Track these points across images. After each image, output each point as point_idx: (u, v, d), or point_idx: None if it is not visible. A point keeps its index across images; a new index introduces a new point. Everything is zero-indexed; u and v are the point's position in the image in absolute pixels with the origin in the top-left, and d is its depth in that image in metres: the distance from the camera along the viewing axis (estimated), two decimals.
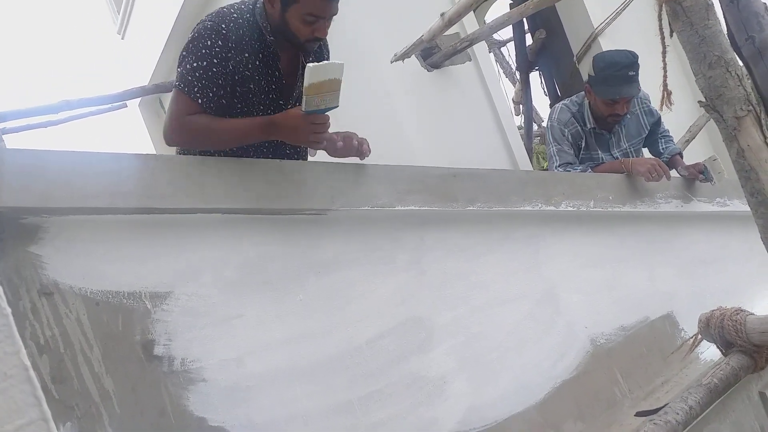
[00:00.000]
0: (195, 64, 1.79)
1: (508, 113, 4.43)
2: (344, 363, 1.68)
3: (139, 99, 6.57)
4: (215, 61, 1.79)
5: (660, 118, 3.34)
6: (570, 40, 5.06)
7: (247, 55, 1.85)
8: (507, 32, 6.40)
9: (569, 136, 3.12)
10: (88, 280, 1.35)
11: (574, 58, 4.95)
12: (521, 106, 5.84)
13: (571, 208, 2.40)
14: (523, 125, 5.69)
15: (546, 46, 5.31)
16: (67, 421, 1.23)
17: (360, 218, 1.87)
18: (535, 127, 6.41)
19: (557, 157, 3.11)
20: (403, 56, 3.68)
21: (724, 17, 1.55)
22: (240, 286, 1.59)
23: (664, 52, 4.03)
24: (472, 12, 3.72)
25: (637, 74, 2.95)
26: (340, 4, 1.85)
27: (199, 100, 1.79)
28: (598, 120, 3.13)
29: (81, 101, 4.00)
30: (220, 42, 1.79)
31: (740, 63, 1.53)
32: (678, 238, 2.87)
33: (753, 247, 1.80)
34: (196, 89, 1.78)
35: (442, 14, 3.36)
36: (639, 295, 2.54)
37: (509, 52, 7.46)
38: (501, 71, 7.41)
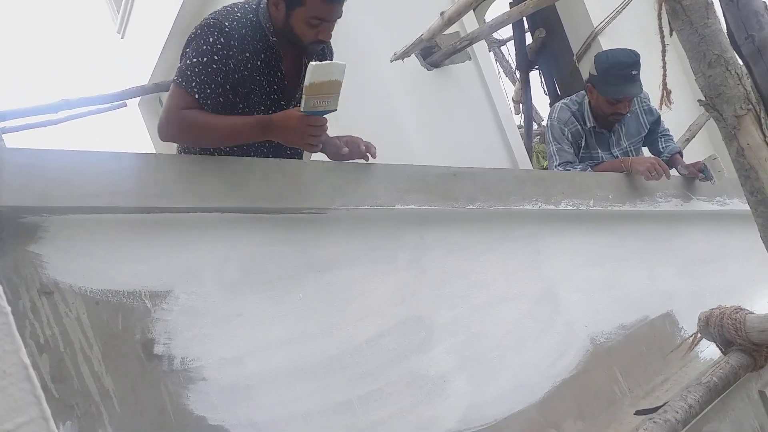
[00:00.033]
0: (195, 60, 1.77)
1: (508, 112, 4.43)
2: (344, 362, 1.68)
3: (139, 98, 6.58)
4: (216, 57, 1.78)
5: (660, 117, 3.34)
6: (570, 39, 5.06)
7: (248, 54, 1.85)
8: (507, 31, 6.41)
9: (569, 135, 3.12)
10: (87, 279, 1.35)
11: (574, 57, 4.95)
12: (521, 105, 5.85)
13: (571, 207, 2.40)
14: (522, 124, 5.69)
15: (546, 45, 5.31)
16: (67, 420, 1.23)
17: (360, 217, 1.88)
18: (534, 126, 6.42)
19: (557, 156, 3.11)
20: (403, 55, 3.68)
21: (724, 16, 1.55)
22: (240, 285, 1.59)
23: (663, 51, 4.04)
24: (471, 11, 3.72)
25: (639, 73, 2.96)
26: None
27: (196, 95, 1.76)
28: (598, 119, 3.13)
29: (80, 100, 4.00)
30: (222, 39, 1.78)
31: (740, 62, 1.53)
32: (678, 237, 2.87)
33: (753, 246, 1.80)
34: (193, 84, 1.76)
35: (442, 13, 3.36)
36: (639, 294, 2.55)
37: (509, 51, 7.47)
38: (501, 70, 7.41)
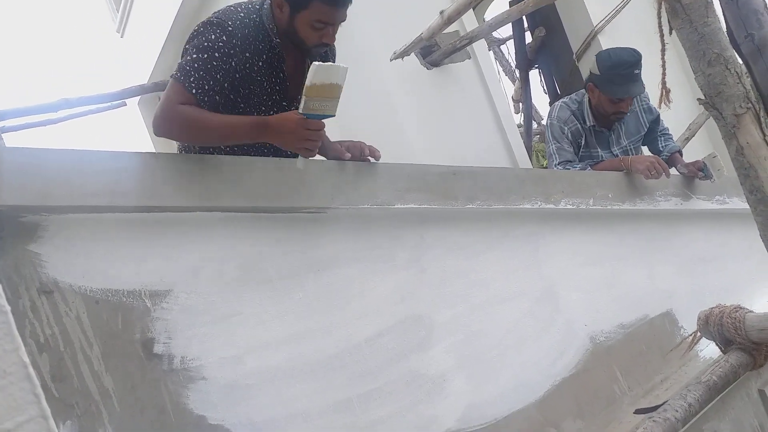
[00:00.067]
0: (195, 56, 1.76)
1: (508, 111, 4.43)
2: (343, 361, 1.68)
3: (139, 97, 6.57)
4: (216, 55, 1.76)
5: (659, 115, 3.34)
6: (569, 38, 5.06)
7: (248, 55, 1.84)
8: (506, 30, 6.40)
9: (569, 134, 3.12)
10: (87, 279, 1.35)
11: (574, 56, 4.95)
12: (521, 104, 5.84)
13: (571, 206, 2.40)
14: (522, 123, 5.69)
15: (545, 44, 5.31)
16: (67, 419, 1.23)
17: (359, 216, 1.88)
18: (534, 125, 6.42)
19: (557, 155, 3.11)
20: (403, 54, 3.68)
21: (724, 15, 1.55)
22: (239, 284, 1.59)
23: (663, 50, 4.04)
24: (471, 10, 3.72)
25: (640, 72, 2.97)
26: None
27: (194, 90, 1.74)
28: (598, 118, 3.14)
29: (80, 100, 4.00)
30: (224, 38, 1.78)
31: (739, 60, 1.53)
32: (677, 236, 2.87)
33: (752, 244, 1.80)
34: (191, 79, 1.74)
35: (442, 12, 3.36)
36: (638, 293, 2.55)
37: (509, 50, 7.47)
38: (500, 69, 7.41)
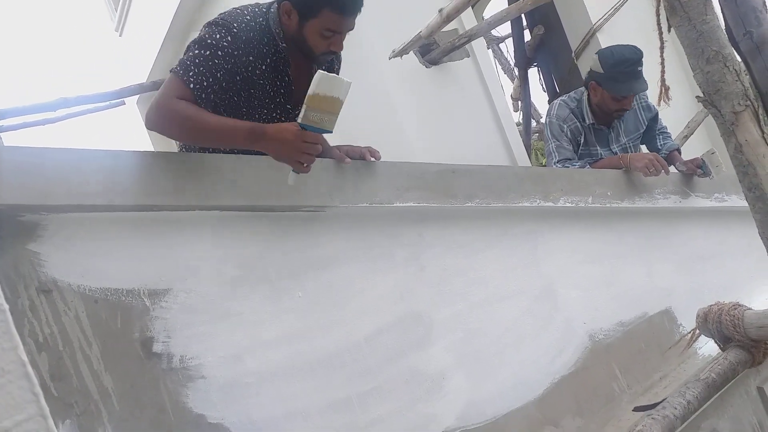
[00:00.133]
0: (197, 52, 1.73)
1: (507, 109, 4.42)
2: (343, 359, 1.68)
3: (137, 96, 6.56)
4: (219, 53, 1.74)
5: (657, 113, 3.34)
6: (568, 37, 5.05)
7: (252, 58, 1.82)
8: (505, 28, 6.39)
9: (568, 132, 3.12)
10: (86, 278, 1.35)
11: (573, 54, 4.94)
12: (520, 102, 5.84)
13: (570, 204, 2.40)
14: (521, 121, 5.69)
15: (544, 42, 5.31)
16: (66, 418, 1.23)
17: (359, 215, 1.88)
18: (533, 123, 6.41)
19: (556, 153, 3.11)
20: (401, 52, 3.68)
21: (722, 12, 1.55)
22: (239, 283, 1.59)
23: (662, 48, 4.04)
24: (470, 8, 3.71)
25: (642, 69, 2.97)
26: None
27: (192, 85, 1.70)
28: (597, 115, 3.14)
29: (79, 99, 3.99)
30: (229, 38, 1.76)
31: (738, 58, 1.53)
32: (676, 233, 2.87)
33: (751, 242, 1.80)
34: (191, 74, 1.70)
35: (440, 10, 3.35)
36: (637, 291, 2.55)
37: (507, 48, 7.45)
38: (499, 67, 7.40)
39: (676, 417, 1.54)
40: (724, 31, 1.52)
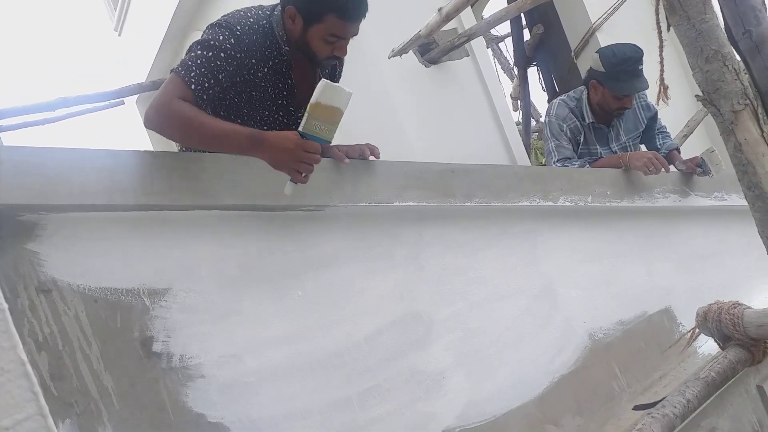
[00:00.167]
0: (200, 53, 1.72)
1: (506, 109, 4.42)
2: (343, 359, 1.68)
3: (137, 96, 6.56)
4: (222, 55, 1.74)
5: (657, 112, 3.34)
6: (568, 36, 5.05)
7: (254, 61, 1.82)
8: (505, 27, 6.39)
9: (567, 131, 3.12)
10: (86, 277, 1.35)
11: (572, 53, 4.94)
12: (519, 101, 5.83)
13: (569, 203, 2.40)
14: (521, 121, 5.68)
15: (544, 41, 5.30)
16: (66, 418, 1.23)
17: (358, 214, 1.88)
18: (533, 122, 6.41)
19: (556, 153, 3.11)
20: (401, 52, 3.68)
21: (722, 11, 1.55)
22: (238, 282, 1.59)
23: (661, 47, 4.04)
24: (469, 7, 3.71)
25: (642, 68, 2.98)
26: None
27: (193, 86, 1.68)
28: (597, 114, 3.14)
29: (78, 98, 3.98)
30: (232, 40, 1.75)
31: (737, 57, 1.53)
32: (676, 232, 2.88)
33: (750, 241, 1.80)
34: (192, 74, 1.69)
35: (440, 9, 3.35)
36: (637, 290, 2.55)
37: (507, 47, 7.45)
38: (499, 67, 7.40)
39: (676, 416, 1.54)
40: (723, 30, 1.52)
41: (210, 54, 1.73)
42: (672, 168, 3.00)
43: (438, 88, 4.03)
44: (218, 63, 1.73)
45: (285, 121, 1.99)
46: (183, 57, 1.77)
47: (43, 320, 1.26)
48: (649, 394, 2.20)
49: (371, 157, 1.92)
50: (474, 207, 2.11)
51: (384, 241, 1.92)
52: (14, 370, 0.50)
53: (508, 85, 6.70)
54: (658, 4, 3.93)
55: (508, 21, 4.75)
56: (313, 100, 1.54)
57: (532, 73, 5.61)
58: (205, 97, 1.71)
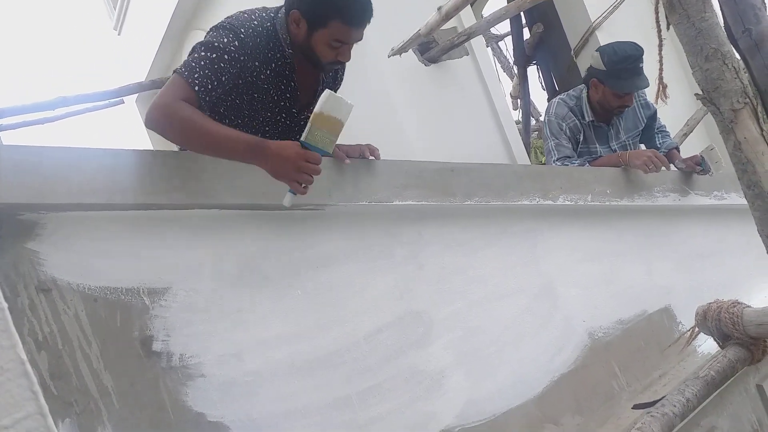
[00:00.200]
0: (203, 54, 1.72)
1: (506, 108, 4.42)
2: (342, 358, 1.68)
3: (136, 95, 6.56)
4: (226, 57, 1.73)
5: (656, 111, 3.34)
6: (567, 34, 5.05)
7: (257, 63, 1.81)
8: (504, 26, 6.39)
9: (567, 130, 3.12)
10: (86, 277, 1.35)
11: (572, 52, 4.94)
12: (519, 100, 5.83)
13: (569, 202, 2.40)
14: (520, 120, 5.68)
15: (543, 40, 5.30)
16: (66, 417, 1.23)
17: (358, 213, 1.88)
18: (532, 121, 6.41)
19: (555, 152, 3.11)
20: (400, 50, 3.68)
21: (721, 10, 1.55)
22: (238, 281, 1.59)
23: (660, 45, 4.04)
24: (469, 6, 3.71)
25: (643, 66, 2.98)
26: None
27: (196, 88, 1.67)
28: (597, 113, 3.14)
29: (77, 97, 3.98)
30: (236, 43, 1.75)
31: (737, 55, 1.53)
32: (675, 231, 2.88)
33: (750, 240, 1.80)
34: (196, 76, 1.68)
35: (439, 8, 3.34)
36: (637, 289, 2.55)
37: (507, 46, 7.44)
38: (498, 66, 7.39)
39: (676, 415, 1.54)
40: (722, 28, 1.52)
41: (214, 56, 1.72)
42: (672, 167, 3.00)
43: (438, 86, 4.03)
44: (222, 65, 1.73)
45: (287, 122, 1.99)
46: (186, 58, 1.76)
47: (42, 319, 1.26)
48: (648, 393, 2.20)
49: (371, 158, 1.93)
50: (474, 206, 2.11)
51: (384, 240, 1.92)
52: (14, 369, 0.50)
53: (507, 84, 6.70)
54: (657, 3, 3.93)
55: (508, 20, 4.74)
56: (316, 109, 1.54)
57: (532, 71, 5.61)
58: (207, 98, 1.70)
